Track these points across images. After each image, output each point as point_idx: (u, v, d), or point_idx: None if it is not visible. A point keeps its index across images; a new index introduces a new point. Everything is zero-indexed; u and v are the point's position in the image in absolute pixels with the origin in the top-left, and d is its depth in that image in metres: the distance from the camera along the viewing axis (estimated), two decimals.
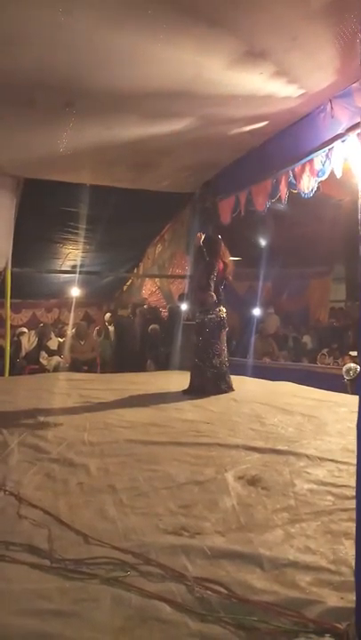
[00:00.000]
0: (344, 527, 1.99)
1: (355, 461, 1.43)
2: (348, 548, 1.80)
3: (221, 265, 5.43)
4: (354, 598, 1.37)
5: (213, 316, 5.30)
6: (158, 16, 3.64)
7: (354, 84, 4.48)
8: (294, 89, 4.75)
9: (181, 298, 8.76)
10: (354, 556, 1.42)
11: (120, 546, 1.86)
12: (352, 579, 1.59)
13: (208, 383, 5.22)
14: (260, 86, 4.67)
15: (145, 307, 10.33)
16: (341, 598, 1.51)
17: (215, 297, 5.31)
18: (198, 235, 5.77)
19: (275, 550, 1.82)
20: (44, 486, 2.57)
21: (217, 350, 5.26)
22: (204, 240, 5.58)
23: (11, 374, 7.53)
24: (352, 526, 1.99)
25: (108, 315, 10.27)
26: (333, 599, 1.51)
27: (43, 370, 8.36)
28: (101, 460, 2.95)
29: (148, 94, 4.77)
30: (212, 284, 5.31)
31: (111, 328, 9.79)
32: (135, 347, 9.15)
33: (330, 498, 2.31)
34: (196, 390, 5.20)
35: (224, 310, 5.38)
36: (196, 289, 5.70)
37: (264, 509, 2.21)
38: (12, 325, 8.33)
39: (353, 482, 2.47)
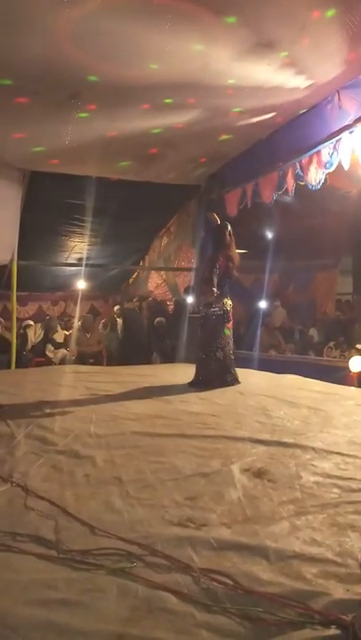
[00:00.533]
0: (350, 520, 1.99)
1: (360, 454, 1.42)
2: (354, 541, 1.80)
3: (226, 258, 5.36)
4: (359, 590, 1.37)
5: (217, 308, 5.27)
6: (165, 6, 3.62)
7: None
8: (302, 80, 4.72)
9: (187, 290, 8.75)
10: (360, 549, 1.42)
11: (126, 537, 1.86)
12: (358, 571, 1.60)
13: (213, 375, 5.21)
14: (267, 77, 4.64)
15: (152, 299, 10.32)
16: (347, 590, 1.51)
17: (217, 290, 5.25)
18: (214, 216, 5.63)
19: (281, 542, 1.82)
20: (51, 478, 2.58)
21: (221, 343, 5.25)
22: (211, 230, 5.51)
23: (17, 367, 7.56)
24: (358, 519, 1.99)
25: (116, 307, 10.29)
26: (339, 591, 1.51)
27: (49, 362, 8.38)
28: (108, 452, 2.96)
29: (153, 86, 4.75)
30: (216, 278, 5.27)
31: (119, 320, 9.80)
32: (142, 339, 9.16)
33: (336, 490, 2.31)
34: (202, 382, 5.20)
35: (229, 303, 5.34)
36: (199, 282, 5.66)
37: (270, 502, 2.21)
38: (18, 318, 8.36)
39: (359, 475, 2.48)
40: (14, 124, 5.58)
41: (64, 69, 4.39)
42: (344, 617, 1.37)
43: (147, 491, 2.36)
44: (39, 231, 8.43)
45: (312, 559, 1.70)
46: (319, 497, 2.25)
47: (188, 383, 5.30)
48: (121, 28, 3.85)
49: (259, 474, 2.55)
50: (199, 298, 5.66)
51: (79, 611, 1.45)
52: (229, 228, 5.42)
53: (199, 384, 5.20)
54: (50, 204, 7.93)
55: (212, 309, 5.27)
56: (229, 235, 5.38)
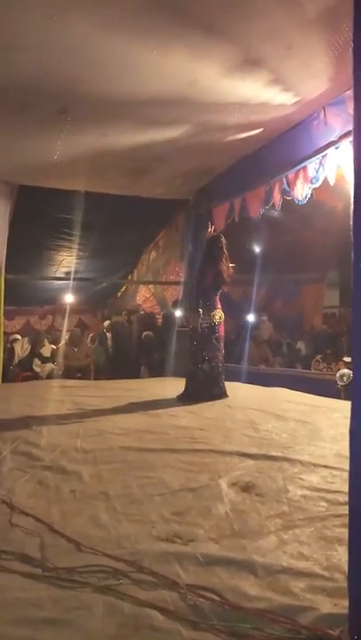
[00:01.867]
0: (337, 533, 1.98)
1: (348, 467, 1.43)
2: (342, 554, 1.80)
3: (216, 270, 5.38)
4: (347, 604, 1.37)
5: (205, 321, 5.29)
6: (154, 23, 3.67)
7: (347, 92, 4.52)
8: (289, 97, 4.79)
9: (175, 304, 8.76)
10: (347, 563, 1.41)
11: (113, 553, 1.85)
12: (345, 585, 1.59)
13: (200, 388, 5.21)
14: (254, 94, 4.70)
15: (142, 313, 10.32)
16: (335, 605, 1.51)
17: (202, 303, 5.30)
18: (210, 231, 5.69)
19: (268, 557, 1.81)
20: (37, 494, 2.55)
21: (208, 355, 5.26)
22: (206, 242, 5.54)
23: (4, 381, 7.50)
24: (345, 532, 1.98)
25: (107, 322, 10.27)
26: (327, 605, 1.50)
27: (36, 377, 8.32)
28: (95, 467, 2.94)
29: (143, 101, 4.79)
30: (203, 291, 5.32)
31: (109, 334, 9.78)
32: (130, 353, 9.14)
33: (323, 504, 2.31)
34: (190, 396, 5.19)
35: (219, 316, 5.36)
36: (187, 294, 5.69)
37: (258, 516, 2.20)
38: (5, 332, 8.30)
39: (346, 488, 2.47)
40: (3, 137, 5.59)
41: (53, 84, 4.42)
42: (332, 632, 1.36)
43: (134, 506, 2.34)
44: (27, 245, 8.41)
45: (300, 573, 1.70)
46: (307, 510, 2.24)
47: (177, 397, 5.28)
48: (110, 44, 3.89)
49: (247, 488, 2.54)
50: (187, 311, 5.66)
51: (65, 629, 1.43)
52: (223, 240, 5.47)
53: (187, 397, 5.19)
54: (38, 218, 7.93)
55: (200, 322, 5.28)
56: (221, 247, 5.41)
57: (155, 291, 10.86)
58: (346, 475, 2.64)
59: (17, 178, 7.07)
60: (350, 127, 4.56)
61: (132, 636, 1.40)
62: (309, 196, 5.24)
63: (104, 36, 3.79)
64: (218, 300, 5.39)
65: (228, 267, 5.41)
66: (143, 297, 11.29)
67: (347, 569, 1.43)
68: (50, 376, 8.29)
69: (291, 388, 5.70)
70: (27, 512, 2.26)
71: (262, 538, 1.98)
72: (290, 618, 1.44)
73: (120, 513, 2.25)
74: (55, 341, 9.46)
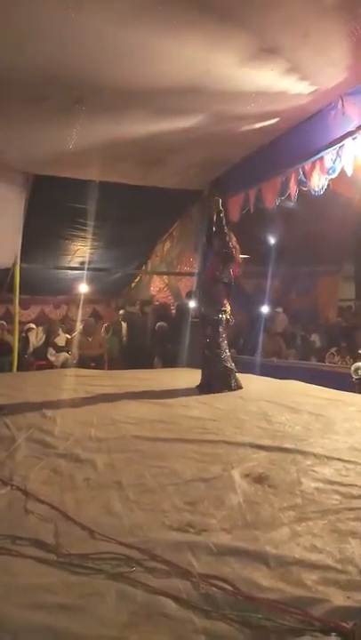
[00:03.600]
0: (351, 526, 1.98)
1: None
2: (355, 547, 1.79)
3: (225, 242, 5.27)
4: (360, 598, 1.36)
5: (215, 312, 5.28)
6: (169, 12, 3.64)
7: None
8: (305, 86, 4.73)
9: (189, 295, 8.75)
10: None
11: (126, 541, 1.86)
12: (358, 578, 1.59)
13: (218, 379, 5.22)
14: (271, 83, 4.65)
15: (156, 303, 10.32)
16: (348, 597, 1.50)
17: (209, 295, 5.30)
18: (216, 199, 5.44)
19: (281, 548, 1.81)
20: (51, 481, 2.58)
21: (218, 347, 5.26)
22: (214, 232, 5.45)
23: (18, 370, 7.56)
24: (359, 525, 1.98)
25: (121, 311, 10.28)
26: (340, 598, 1.50)
27: (50, 366, 8.39)
28: (108, 456, 2.95)
29: (157, 90, 4.77)
30: (224, 278, 5.30)
31: (124, 324, 9.80)
32: (144, 343, 9.17)
33: (337, 497, 2.30)
34: (206, 386, 5.21)
35: (224, 309, 5.34)
36: (205, 284, 5.62)
37: (270, 507, 2.20)
38: (20, 321, 8.36)
39: (360, 481, 2.46)
40: (19, 127, 5.60)
41: (69, 74, 4.41)
42: (344, 624, 1.36)
43: (147, 495, 2.35)
44: (42, 235, 8.44)
45: (312, 566, 1.69)
46: (320, 503, 2.23)
47: (197, 387, 5.30)
48: (126, 33, 3.87)
49: (259, 479, 2.54)
50: (200, 301, 5.60)
51: (78, 615, 1.44)
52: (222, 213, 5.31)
53: (204, 388, 5.20)
54: (53, 207, 7.94)
55: (212, 313, 5.29)
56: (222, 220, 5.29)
57: (169, 281, 10.85)
58: (360, 468, 2.64)
59: (32, 168, 7.08)
60: None
61: (144, 623, 1.41)
62: (326, 187, 5.18)
63: (119, 26, 3.77)
64: (222, 292, 5.33)
65: (233, 241, 5.29)
66: (157, 287, 11.30)
67: (360, 562, 1.42)
68: (64, 365, 8.35)
69: (305, 381, 5.67)
70: (41, 499, 2.28)
71: (275, 529, 1.97)
72: (302, 609, 1.43)
73: (133, 502, 2.26)
74: (69, 331, 9.52)
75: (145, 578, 1.62)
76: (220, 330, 5.29)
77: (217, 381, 5.20)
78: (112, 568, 1.69)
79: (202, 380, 5.33)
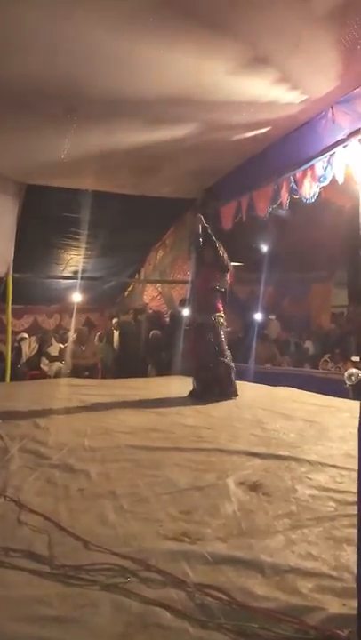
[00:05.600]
0: (346, 533, 1.98)
1: (356, 467, 1.42)
2: (350, 555, 1.79)
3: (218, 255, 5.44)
4: (356, 605, 1.36)
5: (214, 318, 5.33)
6: (160, 22, 3.66)
7: (355, 90, 4.50)
8: (296, 95, 4.76)
9: (183, 303, 8.76)
10: (356, 563, 1.41)
11: (120, 551, 1.85)
12: (354, 585, 1.58)
13: (209, 386, 5.22)
14: (262, 92, 4.68)
15: (150, 311, 10.32)
16: (343, 605, 1.50)
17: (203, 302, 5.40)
18: (198, 217, 5.68)
19: (276, 556, 1.80)
20: (45, 492, 2.56)
21: (222, 352, 5.29)
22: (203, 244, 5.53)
23: (11, 380, 7.52)
24: (354, 532, 1.98)
25: (115, 320, 10.27)
26: (335, 606, 1.50)
27: (44, 376, 8.35)
28: (102, 466, 2.94)
29: (149, 100, 4.79)
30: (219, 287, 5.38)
31: (116, 333, 9.78)
32: (138, 352, 9.15)
33: (331, 504, 2.30)
34: (204, 393, 5.21)
35: (221, 314, 5.40)
36: (197, 295, 5.68)
37: (265, 515, 2.20)
38: (13, 331, 8.33)
39: (355, 488, 2.46)
40: (11, 137, 5.61)
41: (60, 84, 4.43)
42: (340, 632, 1.35)
43: (141, 504, 2.34)
44: (35, 244, 8.44)
45: (308, 573, 1.69)
46: (315, 510, 2.23)
47: (190, 394, 5.30)
48: (117, 43, 3.89)
49: (254, 487, 2.54)
50: (200, 309, 5.64)
51: (72, 627, 1.43)
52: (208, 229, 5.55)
53: (204, 394, 5.20)
54: (46, 216, 7.94)
55: (204, 319, 5.33)
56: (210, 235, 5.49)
57: (162, 289, 10.86)
58: (354, 474, 2.64)
59: (25, 177, 7.09)
60: (359, 125, 4.54)
61: (139, 634, 1.40)
62: (317, 194, 5.22)
63: (111, 35, 3.79)
64: (219, 300, 5.42)
65: (222, 251, 5.46)
66: (150, 296, 11.30)
67: (355, 569, 1.42)
68: (57, 375, 8.31)
69: (299, 388, 5.68)
70: (35, 510, 2.27)
71: (270, 537, 1.97)
72: (298, 618, 1.43)
73: (127, 511, 2.25)
74: (63, 340, 9.48)
75: (140, 588, 1.61)
76: (222, 334, 5.32)
77: (220, 386, 5.20)
78: (107, 579, 1.68)
79: (196, 387, 5.32)
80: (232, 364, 5.35)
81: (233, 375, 5.31)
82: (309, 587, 1.61)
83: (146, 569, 1.73)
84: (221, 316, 5.40)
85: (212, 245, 5.43)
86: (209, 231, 5.51)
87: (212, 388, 5.21)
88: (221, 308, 5.44)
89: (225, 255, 5.45)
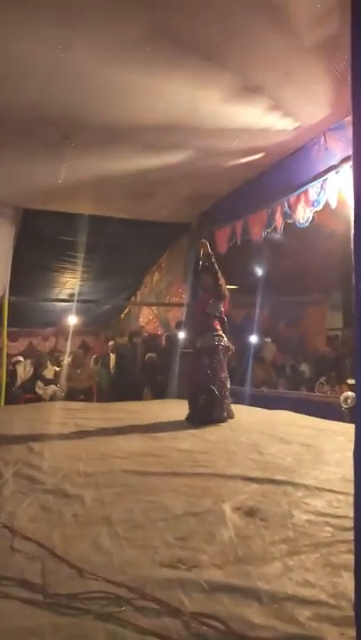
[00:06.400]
0: (343, 559, 1.95)
1: (353, 492, 1.41)
2: (348, 582, 1.76)
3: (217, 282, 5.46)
4: (354, 634, 1.34)
5: (211, 340, 5.33)
6: (155, 51, 3.76)
7: (347, 118, 4.59)
8: (289, 122, 4.87)
9: (178, 326, 8.77)
10: (354, 590, 1.39)
11: (115, 579, 1.81)
12: (352, 614, 1.56)
13: (204, 410, 5.20)
14: (255, 120, 4.78)
15: (145, 334, 10.32)
16: (342, 634, 1.47)
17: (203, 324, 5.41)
18: (203, 242, 5.66)
19: (273, 584, 1.78)
20: (39, 518, 2.52)
21: (216, 376, 5.27)
22: (203, 269, 5.57)
23: (6, 404, 7.47)
24: (352, 558, 1.95)
25: (111, 342, 10.27)
26: (334, 635, 1.47)
27: (39, 399, 8.30)
28: (97, 491, 2.91)
29: (144, 127, 4.88)
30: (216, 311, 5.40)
31: (112, 356, 9.76)
32: (134, 375, 9.13)
33: (329, 529, 2.27)
34: (200, 415, 5.18)
35: (218, 337, 5.39)
36: (193, 319, 5.71)
37: (262, 541, 2.17)
38: (8, 354, 8.31)
39: (352, 513, 2.44)
40: (8, 162, 5.68)
41: (57, 111, 4.52)
42: None
43: (136, 531, 2.31)
44: (31, 267, 8.49)
45: (305, 601, 1.66)
46: (312, 536, 2.21)
47: (186, 418, 5.27)
48: (113, 71, 3.98)
49: (251, 512, 2.51)
50: (190, 331, 5.69)
51: None
52: (210, 254, 5.56)
53: (199, 417, 5.18)
54: (42, 240, 8.01)
55: (205, 342, 5.33)
56: (212, 262, 5.51)
57: (158, 312, 10.89)
58: (351, 499, 2.61)
59: (22, 201, 7.17)
60: (351, 151, 4.63)
61: None
62: (311, 219, 5.29)
63: (106, 65, 3.89)
64: (217, 323, 5.42)
65: (221, 279, 5.49)
66: (146, 319, 11.32)
67: (353, 597, 1.40)
68: (52, 398, 8.26)
69: (295, 411, 5.66)
70: (28, 536, 2.23)
71: (267, 564, 1.94)
72: None
73: (122, 538, 2.22)
74: (58, 363, 9.45)
75: (135, 617, 1.58)
76: (221, 358, 5.33)
77: (215, 410, 5.18)
78: (101, 608, 1.64)
79: (192, 410, 5.30)
80: (225, 388, 5.30)
81: (224, 399, 5.26)
82: (307, 615, 1.58)
83: (141, 597, 1.70)
84: (222, 336, 5.38)
85: (212, 273, 5.44)
86: (213, 259, 5.51)
87: (204, 412, 5.18)
88: (219, 328, 5.41)
89: (224, 285, 5.47)
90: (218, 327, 5.40)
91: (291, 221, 5.57)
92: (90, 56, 3.78)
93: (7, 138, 5.00)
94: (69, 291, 10.08)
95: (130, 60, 3.86)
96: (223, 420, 5.18)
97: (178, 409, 5.59)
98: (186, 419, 5.27)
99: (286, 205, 5.57)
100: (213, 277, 5.44)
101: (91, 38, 3.59)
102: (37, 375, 8.73)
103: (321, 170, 5.03)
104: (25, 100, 4.34)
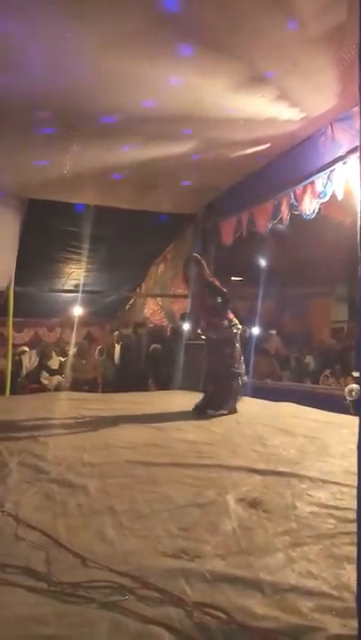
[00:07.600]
0: (346, 551, 1.95)
1: (356, 484, 1.41)
2: (351, 573, 1.77)
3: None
4: (356, 625, 1.34)
5: (227, 333, 5.31)
6: (161, 42, 3.73)
7: (354, 108, 4.55)
8: (295, 112, 4.82)
9: (183, 317, 8.76)
10: (356, 582, 1.39)
11: (118, 569, 1.83)
12: (354, 605, 1.56)
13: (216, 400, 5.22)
14: (261, 110, 4.74)
15: (150, 326, 10.32)
16: (344, 625, 1.48)
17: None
18: (195, 258, 5.55)
19: (276, 575, 1.78)
20: (43, 507, 2.54)
21: (235, 364, 5.29)
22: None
23: (11, 393, 7.51)
24: (354, 550, 1.96)
25: (116, 332, 10.28)
26: (336, 626, 1.47)
27: (44, 389, 8.33)
28: (101, 481, 2.92)
29: (150, 118, 4.85)
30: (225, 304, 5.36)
31: (117, 347, 9.77)
32: (138, 366, 9.14)
33: (332, 521, 2.28)
34: (213, 405, 5.19)
35: (236, 327, 5.37)
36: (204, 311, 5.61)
37: (265, 532, 2.17)
38: (13, 344, 8.33)
39: (355, 505, 2.44)
40: (13, 153, 5.67)
41: (62, 102, 4.49)
42: None
43: (140, 521, 2.32)
44: (36, 258, 8.48)
45: (308, 592, 1.67)
46: (315, 528, 2.21)
47: (196, 407, 5.27)
48: (119, 62, 3.96)
49: (254, 504, 2.51)
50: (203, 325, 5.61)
51: None
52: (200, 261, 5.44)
53: (202, 408, 5.18)
54: (48, 231, 8.00)
55: (218, 333, 5.31)
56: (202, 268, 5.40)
57: (163, 304, 10.87)
58: (355, 491, 2.61)
59: (27, 192, 7.16)
60: (358, 142, 4.59)
61: None
62: (317, 210, 5.26)
63: (112, 55, 3.86)
64: (230, 312, 5.38)
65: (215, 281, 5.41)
66: (151, 310, 11.31)
67: (355, 588, 1.40)
68: (57, 388, 8.29)
69: (299, 403, 5.65)
70: (33, 525, 2.25)
71: (270, 555, 1.95)
72: (297, 638, 1.41)
73: (126, 528, 2.23)
74: (63, 354, 9.47)
75: (138, 607, 1.59)
76: (237, 346, 5.32)
77: (231, 399, 5.19)
78: (104, 597, 1.65)
79: (206, 399, 5.27)
80: (244, 379, 5.34)
81: (239, 390, 5.28)
82: (309, 606, 1.59)
83: (144, 587, 1.71)
84: (239, 327, 5.34)
85: (210, 285, 5.31)
86: (208, 278, 5.34)
87: (222, 400, 5.18)
88: (233, 317, 5.34)
89: (227, 296, 5.34)
90: (232, 317, 5.36)
91: (297, 213, 5.54)
92: (94, 46, 3.75)
93: (11, 128, 4.98)
94: (74, 281, 10.08)
95: (134, 50, 3.83)
96: (235, 411, 5.19)
97: (182, 400, 5.60)
98: (194, 408, 5.25)
99: (293, 197, 5.53)
100: (213, 290, 5.30)
101: (95, 28, 3.56)
102: (43, 365, 8.76)
103: (328, 161, 4.99)
104: (30, 90, 4.32)
